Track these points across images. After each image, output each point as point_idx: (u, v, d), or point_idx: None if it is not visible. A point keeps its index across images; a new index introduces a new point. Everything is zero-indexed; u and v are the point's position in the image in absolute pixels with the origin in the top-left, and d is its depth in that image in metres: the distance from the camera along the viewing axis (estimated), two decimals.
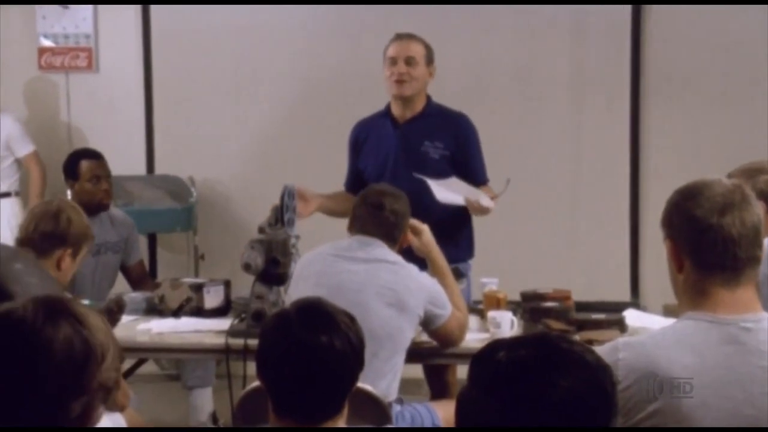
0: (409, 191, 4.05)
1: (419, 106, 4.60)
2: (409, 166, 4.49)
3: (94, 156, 5.07)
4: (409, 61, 4.53)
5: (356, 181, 4.67)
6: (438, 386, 4.49)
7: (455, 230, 4.57)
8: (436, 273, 3.94)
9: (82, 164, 4.99)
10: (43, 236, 3.74)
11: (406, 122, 4.59)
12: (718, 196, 2.18)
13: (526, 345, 1.61)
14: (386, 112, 4.65)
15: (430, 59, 4.60)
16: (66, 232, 3.73)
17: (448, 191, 4.39)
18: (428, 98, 4.63)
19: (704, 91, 6.03)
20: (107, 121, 6.37)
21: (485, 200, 4.35)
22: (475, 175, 4.55)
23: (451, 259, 4.17)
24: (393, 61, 4.53)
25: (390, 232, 3.82)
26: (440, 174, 4.45)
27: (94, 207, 4.94)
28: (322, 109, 6.18)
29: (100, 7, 6.35)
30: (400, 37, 4.60)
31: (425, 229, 4.00)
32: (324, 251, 3.82)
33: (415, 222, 3.97)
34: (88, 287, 4.85)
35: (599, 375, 1.58)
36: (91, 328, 1.76)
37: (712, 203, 2.18)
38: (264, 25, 6.22)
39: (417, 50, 4.56)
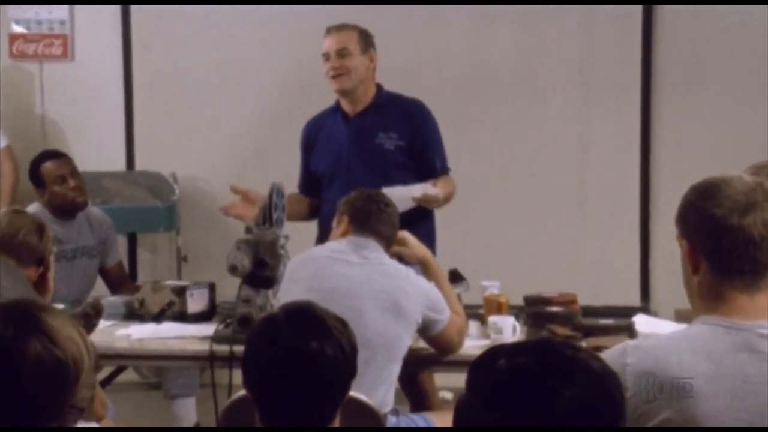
0: (366, 186, 4.12)
1: (368, 96, 4.64)
2: (363, 160, 4.56)
3: (54, 156, 5.05)
4: (342, 53, 4.58)
5: (309, 181, 4.74)
6: (416, 395, 4.51)
7: (417, 226, 4.57)
8: (431, 277, 3.94)
9: (43, 168, 4.97)
10: (25, 248, 3.71)
11: (357, 115, 4.63)
12: (739, 195, 2.16)
13: (528, 351, 1.61)
14: (336, 107, 4.69)
15: (366, 45, 4.63)
16: (44, 252, 3.72)
17: (397, 200, 4.38)
18: (378, 87, 4.68)
19: (717, 88, 6.05)
20: (84, 113, 6.36)
21: (430, 189, 4.41)
22: (432, 165, 4.60)
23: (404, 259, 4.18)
24: (326, 57, 4.61)
25: (391, 234, 3.84)
26: (397, 166, 4.53)
27: (70, 209, 4.95)
28: (311, 103, 6.14)
29: None
30: (329, 30, 4.67)
31: (408, 236, 4.02)
32: (316, 253, 3.83)
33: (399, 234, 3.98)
34: (63, 293, 4.84)
35: (606, 383, 1.58)
36: (63, 343, 1.73)
37: (733, 202, 2.15)
38: (251, 15, 6.23)
39: (348, 39, 4.60)
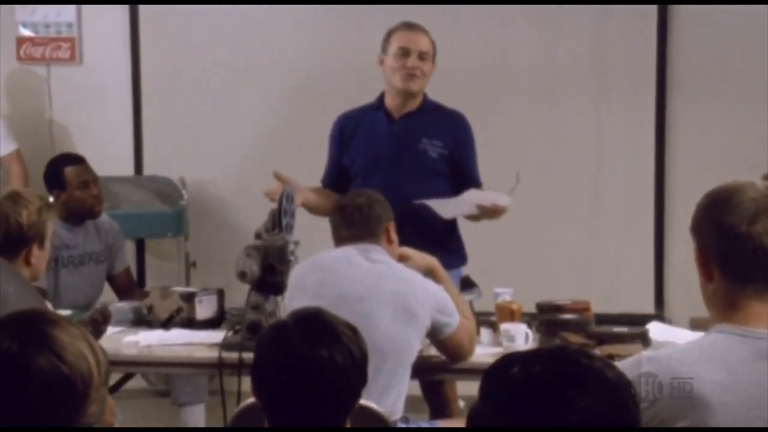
0: (402, 190, 4.20)
1: (418, 101, 4.61)
2: (404, 162, 4.53)
3: (77, 160, 5.06)
4: (423, 56, 4.54)
5: (337, 176, 4.67)
6: (437, 403, 4.50)
7: (448, 234, 4.62)
8: (439, 282, 3.94)
9: (66, 171, 4.98)
10: (2, 244, 3.72)
11: (402, 117, 4.60)
12: (749, 202, 2.18)
13: (543, 360, 1.61)
14: (378, 105, 4.64)
15: (435, 54, 4.62)
16: (21, 232, 3.71)
17: (454, 207, 4.45)
18: (424, 94, 4.66)
19: (732, 88, 6.05)
20: (92, 117, 6.38)
21: (503, 199, 4.38)
22: (472, 177, 4.61)
23: (445, 266, 4.20)
24: (404, 52, 4.52)
25: (375, 226, 3.83)
26: (437, 173, 4.53)
27: (85, 214, 4.97)
28: (322, 105, 6.17)
29: None
30: (410, 27, 4.60)
31: (408, 250, 4.00)
32: (322, 259, 3.82)
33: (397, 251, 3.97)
34: (71, 299, 4.86)
35: (621, 393, 1.58)
36: (71, 360, 1.68)
37: (743, 209, 2.17)
38: (260, 18, 6.24)
39: (428, 45, 4.58)
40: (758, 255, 2.16)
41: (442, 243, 4.52)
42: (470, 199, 4.44)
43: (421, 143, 4.55)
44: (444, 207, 4.44)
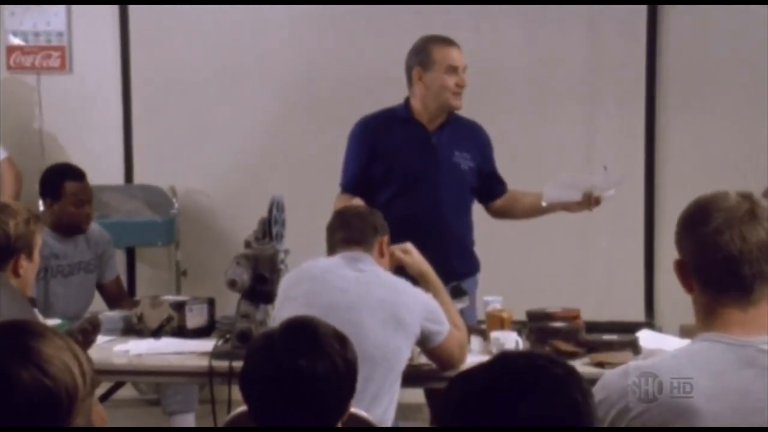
0: (441, 201, 4.41)
1: (445, 115, 4.63)
2: (442, 175, 4.55)
3: (79, 177, 5.03)
4: (465, 71, 4.58)
5: (363, 182, 4.60)
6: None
7: (467, 242, 4.69)
8: (430, 289, 3.95)
9: (66, 186, 4.97)
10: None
11: (437, 129, 4.61)
12: (721, 212, 2.20)
13: (483, 371, 1.63)
14: (407, 115, 4.61)
15: None
16: (9, 242, 3.70)
17: (562, 189, 4.52)
18: None
19: (723, 93, 6.06)
20: (82, 126, 6.37)
21: (609, 190, 4.48)
22: (500, 186, 4.72)
23: (465, 272, 4.42)
24: (454, 70, 4.54)
25: (371, 235, 3.84)
26: (466, 185, 4.61)
27: (72, 230, 4.97)
28: (314, 113, 6.20)
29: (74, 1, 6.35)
30: (450, 42, 4.60)
31: (411, 246, 4.02)
32: (310, 269, 3.81)
33: (399, 245, 4.01)
34: (61, 308, 4.85)
35: (568, 389, 1.59)
36: (54, 373, 1.66)
37: (713, 219, 2.20)
38: (252, 22, 6.25)
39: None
40: (729, 264, 2.19)
41: (469, 249, 4.67)
42: (574, 182, 4.52)
43: (455, 156, 4.59)
44: (558, 187, 4.52)
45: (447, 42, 4.60)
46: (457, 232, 4.61)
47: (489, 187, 4.70)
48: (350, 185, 4.63)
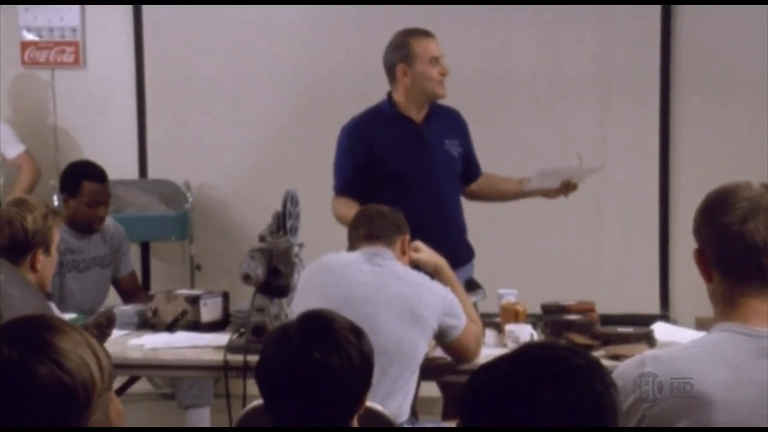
0: (439, 191, 4.49)
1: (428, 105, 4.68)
2: (436, 166, 4.60)
3: (100, 178, 5.03)
4: (443, 58, 4.63)
5: (359, 183, 4.61)
6: (449, 402, 4.51)
7: (463, 228, 4.75)
8: (446, 283, 3.94)
9: (85, 185, 4.97)
10: (7, 249, 3.72)
11: (424, 121, 4.65)
12: (744, 201, 2.20)
13: (506, 362, 1.62)
14: (393, 111, 4.63)
15: None
16: (26, 238, 3.71)
17: (544, 179, 4.68)
18: None
19: (737, 89, 6.04)
20: (96, 121, 6.38)
21: (582, 177, 4.68)
22: (476, 163, 4.80)
23: (465, 258, 4.55)
24: (436, 60, 4.59)
25: (393, 232, 3.85)
26: (457, 171, 4.68)
27: (84, 228, 4.98)
28: (326, 108, 6.19)
29: None
30: (427, 33, 4.66)
31: (421, 244, 4.03)
32: (330, 261, 3.83)
33: (411, 245, 4.01)
34: (76, 303, 4.87)
35: (589, 378, 1.59)
36: (72, 368, 1.65)
37: (737, 209, 2.19)
38: (264, 22, 6.25)
39: None
40: (752, 254, 2.18)
41: (465, 234, 4.74)
42: (563, 172, 4.67)
43: (445, 145, 4.66)
44: (541, 177, 4.67)
45: (424, 34, 4.65)
46: (457, 220, 4.70)
47: (468, 171, 4.76)
48: (346, 188, 4.64)
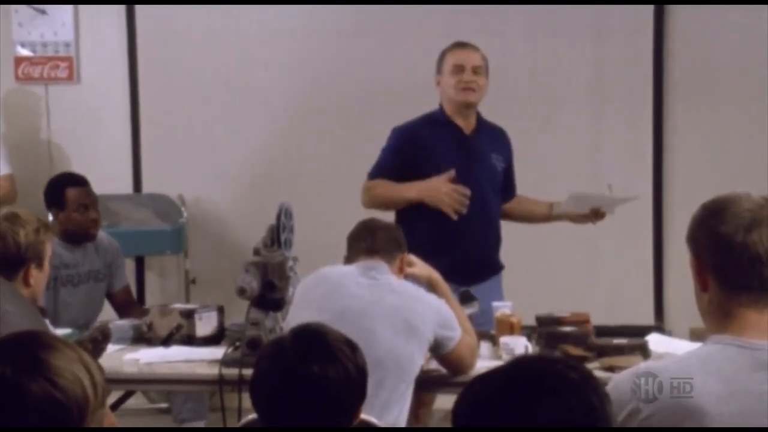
0: (484, 199, 4.63)
1: (475, 117, 4.80)
2: (481, 177, 4.72)
3: (80, 182, 5.05)
4: (477, 71, 4.72)
5: (399, 181, 4.70)
6: None
7: (500, 239, 4.89)
8: (440, 296, 3.95)
9: (68, 193, 4.98)
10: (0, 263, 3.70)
11: (474, 132, 4.77)
12: (745, 212, 2.19)
13: (501, 374, 1.62)
14: (446, 121, 4.74)
15: (488, 72, 4.79)
16: (18, 252, 3.69)
17: (576, 203, 4.80)
18: (477, 112, 4.83)
19: (732, 97, 6.05)
20: (90, 136, 6.38)
21: (611, 207, 4.82)
22: (513, 191, 4.96)
23: (498, 267, 4.81)
24: (459, 69, 4.70)
25: (394, 249, 3.85)
26: (499, 186, 4.82)
27: (80, 238, 4.97)
28: (322, 122, 6.20)
29: (81, 11, 6.35)
30: (462, 45, 4.78)
31: (414, 257, 4.04)
32: (326, 274, 3.83)
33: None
34: (71, 317, 4.86)
35: (583, 391, 1.59)
36: (65, 385, 1.64)
37: (738, 219, 2.18)
38: (260, 32, 6.26)
39: (482, 60, 4.76)
40: (754, 264, 2.17)
41: (499, 248, 4.88)
42: (595, 200, 4.82)
43: (491, 158, 4.78)
44: (572, 201, 4.80)
45: (458, 45, 4.80)
46: (497, 230, 4.84)
47: (506, 188, 4.90)
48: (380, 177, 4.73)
